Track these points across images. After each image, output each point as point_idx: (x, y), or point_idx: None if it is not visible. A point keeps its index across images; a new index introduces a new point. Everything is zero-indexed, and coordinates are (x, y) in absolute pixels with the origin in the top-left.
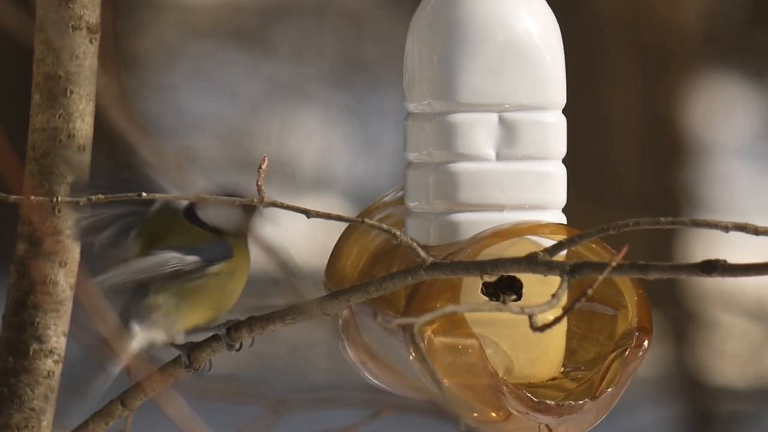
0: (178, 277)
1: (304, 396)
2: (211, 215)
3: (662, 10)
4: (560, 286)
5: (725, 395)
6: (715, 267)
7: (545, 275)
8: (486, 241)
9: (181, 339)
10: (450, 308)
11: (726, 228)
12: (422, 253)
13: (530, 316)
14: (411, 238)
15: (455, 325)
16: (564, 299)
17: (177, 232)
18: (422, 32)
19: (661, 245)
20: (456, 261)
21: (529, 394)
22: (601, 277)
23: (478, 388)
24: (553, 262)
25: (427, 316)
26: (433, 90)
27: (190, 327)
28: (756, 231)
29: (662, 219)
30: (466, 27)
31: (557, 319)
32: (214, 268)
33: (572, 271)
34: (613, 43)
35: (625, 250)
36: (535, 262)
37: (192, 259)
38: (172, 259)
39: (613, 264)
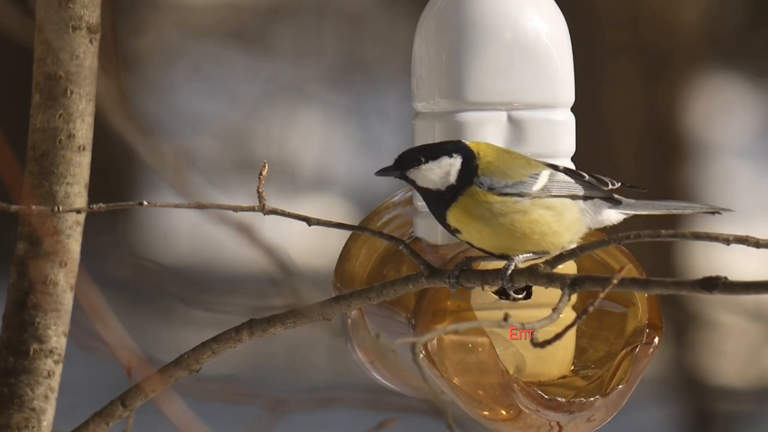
0: None
1: (304, 396)
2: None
3: (662, 10)
4: (561, 300)
5: (725, 395)
6: (716, 284)
7: (546, 288)
8: None
9: None
10: (452, 327)
11: (727, 241)
12: (424, 262)
13: (531, 333)
14: (418, 238)
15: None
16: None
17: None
18: (431, 32)
19: (661, 247)
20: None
21: (539, 392)
22: (602, 294)
23: (489, 386)
24: (554, 275)
25: (428, 336)
26: (441, 89)
27: None
28: (757, 244)
29: (663, 231)
30: (475, 26)
31: (558, 336)
32: None
33: (573, 284)
34: (613, 43)
35: (626, 267)
36: (536, 274)
37: None
38: None
39: (615, 281)
